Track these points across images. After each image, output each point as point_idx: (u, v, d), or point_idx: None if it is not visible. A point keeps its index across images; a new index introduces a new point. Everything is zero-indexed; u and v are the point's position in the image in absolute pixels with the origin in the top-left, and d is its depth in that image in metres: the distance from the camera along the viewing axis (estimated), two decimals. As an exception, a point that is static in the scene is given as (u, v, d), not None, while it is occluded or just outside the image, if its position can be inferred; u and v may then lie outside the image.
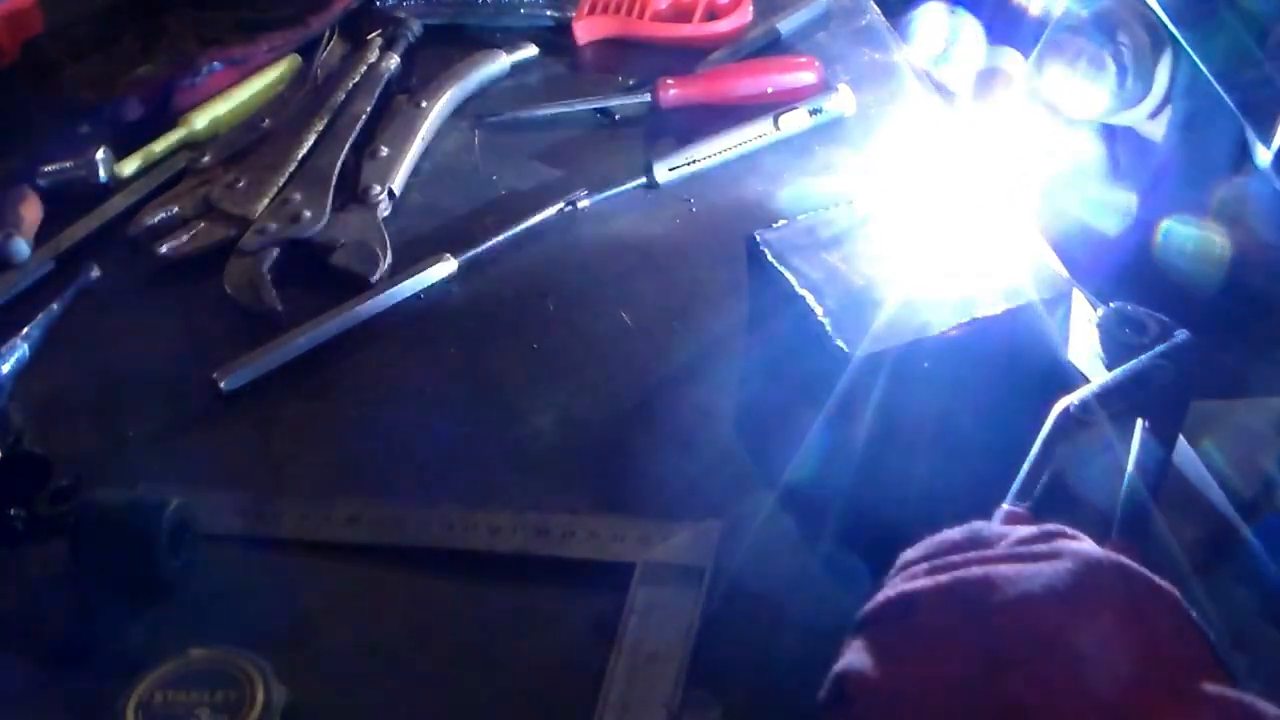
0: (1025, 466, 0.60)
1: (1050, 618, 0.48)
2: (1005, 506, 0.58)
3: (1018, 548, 0.51)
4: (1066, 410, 0.63)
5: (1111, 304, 0.70)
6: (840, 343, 0.68)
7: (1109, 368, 0.67)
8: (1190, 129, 1.02)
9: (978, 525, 0.54)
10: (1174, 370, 0.64)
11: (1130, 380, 0.64)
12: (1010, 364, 0.70)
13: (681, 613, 0.62)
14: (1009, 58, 1.02)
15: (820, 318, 0.70)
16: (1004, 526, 0.54)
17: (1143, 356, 0.65)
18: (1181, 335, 0.66)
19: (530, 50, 1.08)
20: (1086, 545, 0.51)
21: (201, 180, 0.96)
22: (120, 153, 0.99)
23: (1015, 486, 0.59)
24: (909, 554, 0.54)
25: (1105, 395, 0.63)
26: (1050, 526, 0.54)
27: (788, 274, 0.73)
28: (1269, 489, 0.70)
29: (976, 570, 0.50)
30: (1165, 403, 0.63)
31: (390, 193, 0.93)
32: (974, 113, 1.01)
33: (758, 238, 0.76)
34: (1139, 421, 0.63)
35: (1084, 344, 0.70)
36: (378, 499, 0.71)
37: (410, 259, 0.87)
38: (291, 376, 0.80)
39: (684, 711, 0.59)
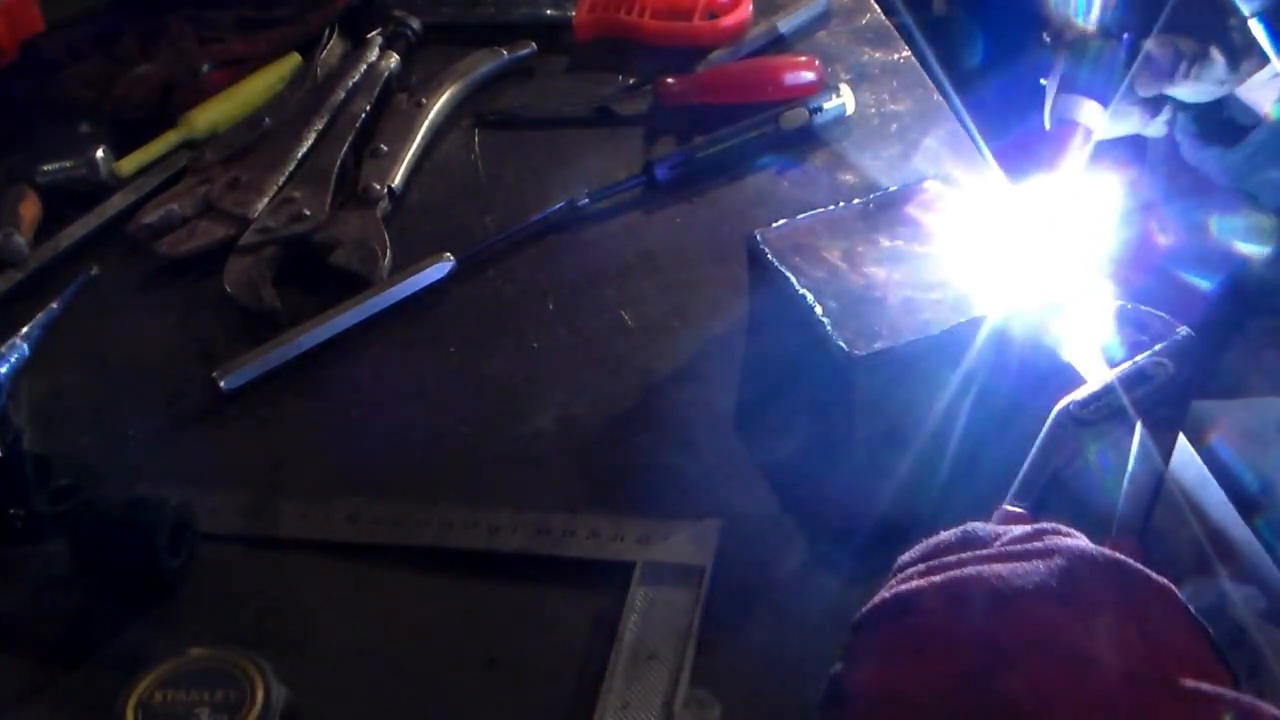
0: (1025, 466, 0.60)
1: (1044, 615, 0.48)
2: (1004, 506, 0.58)
3: (1011, 546, 0.51)
4: (1066, 409, 0.63)
5: (1114, 302, 0.70)
6: (841, 342, 0.68)
7: (1111, 366, 0.67)
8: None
9: (972, 526, 0.54)
10: (1174, 368, 0.63)
11: (1130, 378, 0.63)
12: (1011, 362, 0.70)
13: (681, 612, 0.62)
14: (1086, 109, 0.93)
15: (821, 317, 0.70)
16: (999, 526, 0.54)
17: (1143, 354, 0.64)
18: (1183, 333, 0.65)
19: (530, 48, 1.08)
20: (1081, 542, 0.51)
21: (201, 179, 0.96)
22: (120, 152, 0.99)
23: (1014, 486, 0.59)
24: (905, 556, 0.54)
25: (1105, 394, 0.62)
26: (1045, 525, 0.54)
27: (788, 273, 0.73)
28: (1269, 488, 0.69)
29: (970, 570, 0.50)
30: (1166, 401, 0.63)
31: (390, 191, 0.93)
32: (1045, 172, 0.91)
33: (758, 237, 0.76)
34: (1139, 420, 0.62)
35: (1086, 343, 0.70)
36: (378, 499, 0.71)
37: (410, 258, 0.87)
38: (291, 376, 0.80)
39: (684, 711, 0.59)
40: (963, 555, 0.52)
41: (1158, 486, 0.60)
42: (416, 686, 0.62)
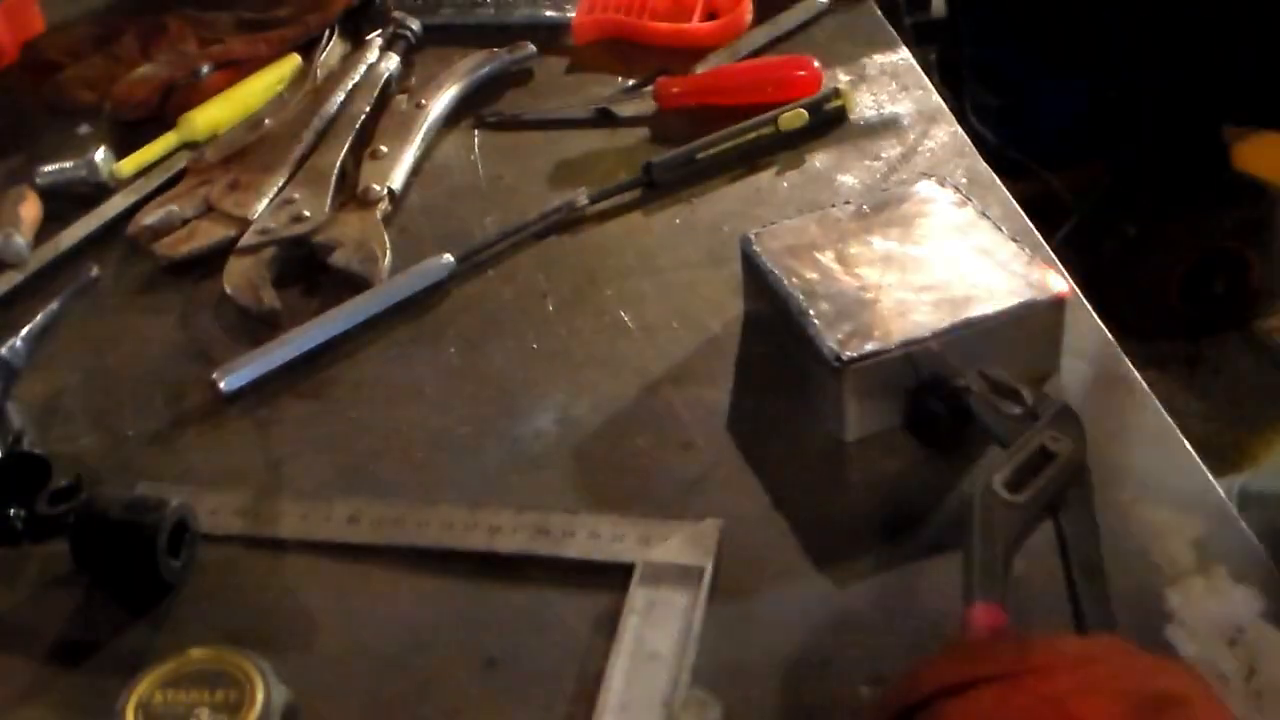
0: (976, 554, 0.56)
1: None
2: (978, 603, 0.55)
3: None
4: (990, 492, 0.59)
5: (979, 371, 0.67)
6: (832, 344, 0.68)
7: (990, 434, 0.65)
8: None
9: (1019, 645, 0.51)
10: (1067, 441, 0.61)
11: (1030, 457, 0.61)
12: (1004, 365, 0.70)
13: (681, 613, 0.62)
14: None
15: (812, 319, 0.70)
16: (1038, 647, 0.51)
17: (1033, 432, 0.62)
18: (1058, 405, 0.63)
19: (530, 49, 1.08)
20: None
21: (201, 180, 0.96)
22: (120, 153, 0.99)
23: (976, 579, 0.56)
24: (938, 678, 0.51)
25: (1016, 476, 0.59)
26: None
27: (780, 275, 0.73)
28: None
29: None
30: (1070, 475, 0.61)
31: (390, 192, 0.93)
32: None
33: (751, 238, 0.77)
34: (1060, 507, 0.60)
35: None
36: (378, 499, 0.71)
37: (410, 258, 0.87)
38: (291, 376, 0.80)
39: (684, 711, 0.59)
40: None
41: (1098, 558, 0.58)
42: (416, 686, 0.62)
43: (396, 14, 1.12)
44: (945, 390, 0.67)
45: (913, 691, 0.50)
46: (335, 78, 1.04)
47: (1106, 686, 0.48)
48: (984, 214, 0.77)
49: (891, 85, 1.01)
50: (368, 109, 1.01)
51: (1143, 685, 0.48)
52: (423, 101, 1.01)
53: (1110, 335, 0.75)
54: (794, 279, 0.73)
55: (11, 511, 0.70)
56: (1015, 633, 0.53)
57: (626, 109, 1.01)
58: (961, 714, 0.48)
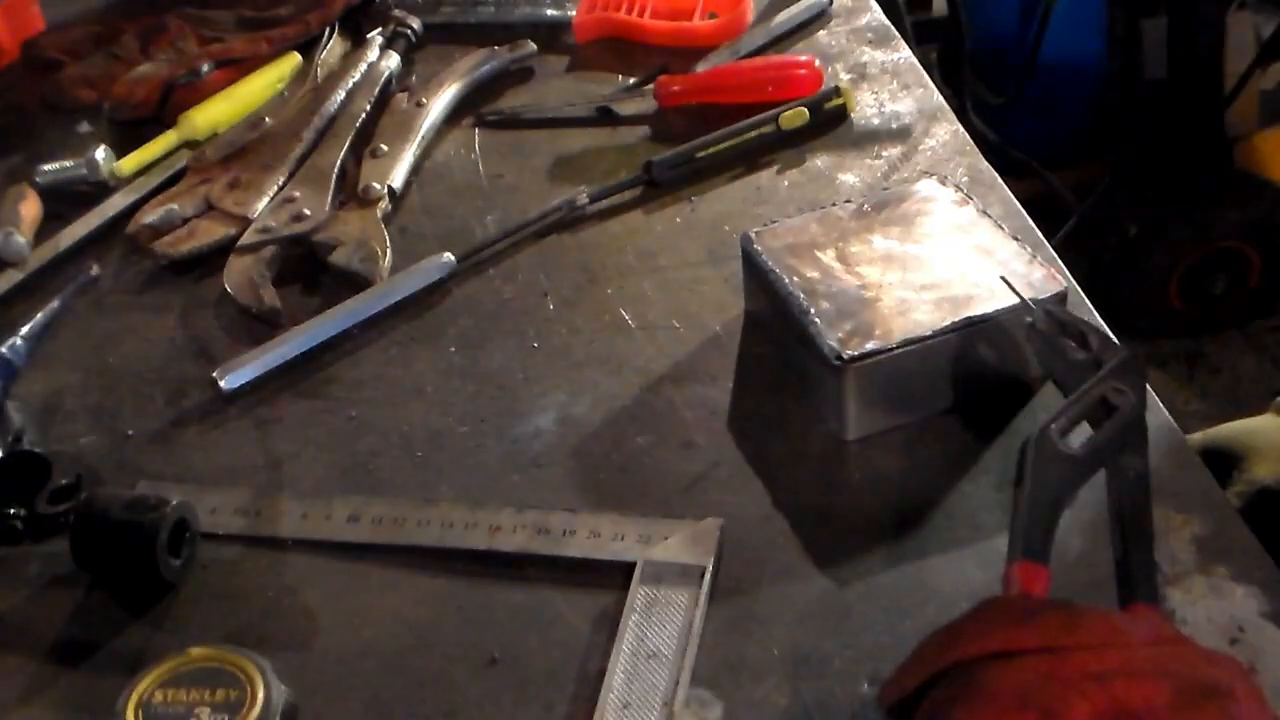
0: (1024, 509, 0.56)
1: None
2: (1022, 562, 0.55)
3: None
4: (1045, 442, 0.58)
5: (1045, 309, 0.67)
6: (832, 343, 0.68)
7: (1047, 374, 0.64)
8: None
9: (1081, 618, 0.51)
10: (1131, 395, 0.60)
11: (1090, 408, 0.60)
12: (1003, 364, 0.70)
13: (681, 612, 0.62)
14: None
15: (813, 318, 0.70)
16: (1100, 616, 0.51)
17: (1095, 380, 0.60)
18: (1125, 354, 0.62)
19: (530, 48, 1.08)
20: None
21: (201, 179, 0.96)
22: (120, 151, 0.99)
23: (1020, 541, 0.55)
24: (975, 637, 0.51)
25: (1073, 426, 0.58)
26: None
27: (781, 273, 0.73)
28: None
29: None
30: (1131, 431, 0.60)
31: (390, 191, 0.93)
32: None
33: (751, 237, 0.77)
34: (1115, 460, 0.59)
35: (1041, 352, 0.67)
36: (378, 498, 0.71)
37: (410, 257, 0.87)
38: (292, 375, 0.80)
39: (684, 711, 0.59)
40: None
41: (1150, 534, 0.58)
42: (416, 686, 0.62)
43: (397, 12, 1.12)
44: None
45: (953, 650, 0.51)
46: (336, 76, 1.04)
47: (1154, 669, 0.48)
48: (985, 213, 0.77)
49: (892, 84, 1.01)
50: (368, 108, 1.01)
51: (1190, 672, 0.49)
52: (423, 100, 1.01)
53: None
54: (795, 278, 0.73)
55: (11, 511, 0.70)
56: (1065, 603, 0.53)
57: (627, 107, 1.01)
58: (1004, 681, 0.49)
